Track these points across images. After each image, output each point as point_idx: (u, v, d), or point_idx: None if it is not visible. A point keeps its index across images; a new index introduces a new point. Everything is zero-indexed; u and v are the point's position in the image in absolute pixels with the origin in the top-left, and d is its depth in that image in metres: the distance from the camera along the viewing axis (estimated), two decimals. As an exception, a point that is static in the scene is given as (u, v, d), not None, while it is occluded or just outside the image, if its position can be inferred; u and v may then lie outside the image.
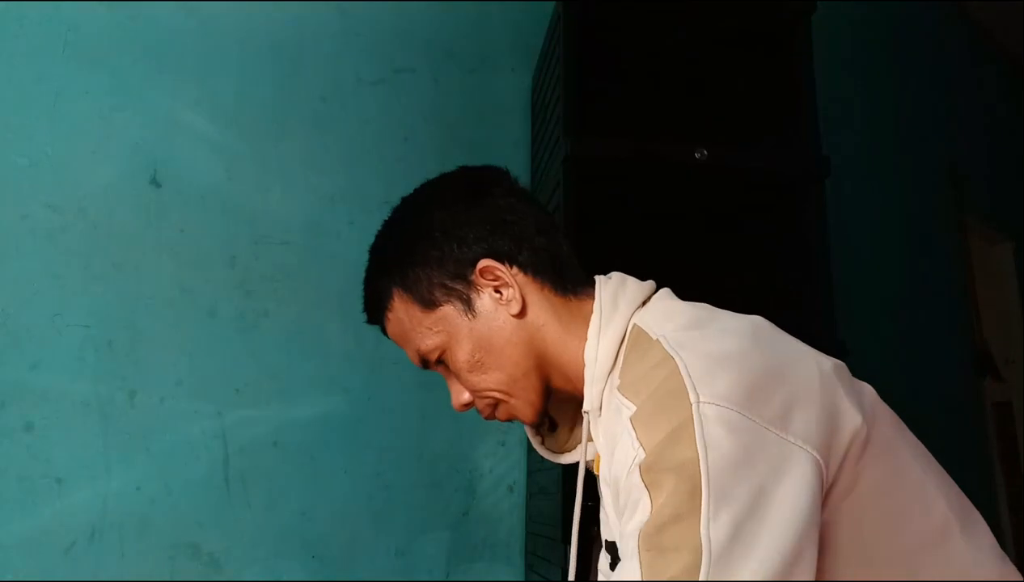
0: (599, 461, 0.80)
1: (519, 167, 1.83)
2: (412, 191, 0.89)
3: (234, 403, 1.49)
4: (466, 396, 0.84)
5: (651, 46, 1.61)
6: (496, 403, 0.84)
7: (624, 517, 0.63)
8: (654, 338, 0.70)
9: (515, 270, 0.81)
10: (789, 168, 1.50)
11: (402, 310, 0.83)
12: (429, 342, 0.82)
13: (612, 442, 0.71)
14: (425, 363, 0.84)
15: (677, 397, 0.61)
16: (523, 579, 1.62)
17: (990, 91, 3.63)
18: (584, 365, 0.78)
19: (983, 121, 3.48)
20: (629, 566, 0.60)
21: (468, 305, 0.81)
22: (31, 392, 1.36)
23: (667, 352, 0.65)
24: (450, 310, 0.81)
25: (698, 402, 0.60)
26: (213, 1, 1.63)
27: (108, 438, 1.39)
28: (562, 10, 1.48)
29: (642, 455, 0.61)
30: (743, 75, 1.61)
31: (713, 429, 0.59)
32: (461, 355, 0.81)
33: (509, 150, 1.84)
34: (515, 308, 0.80)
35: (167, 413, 1.44)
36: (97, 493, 1.37)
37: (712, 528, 0.56)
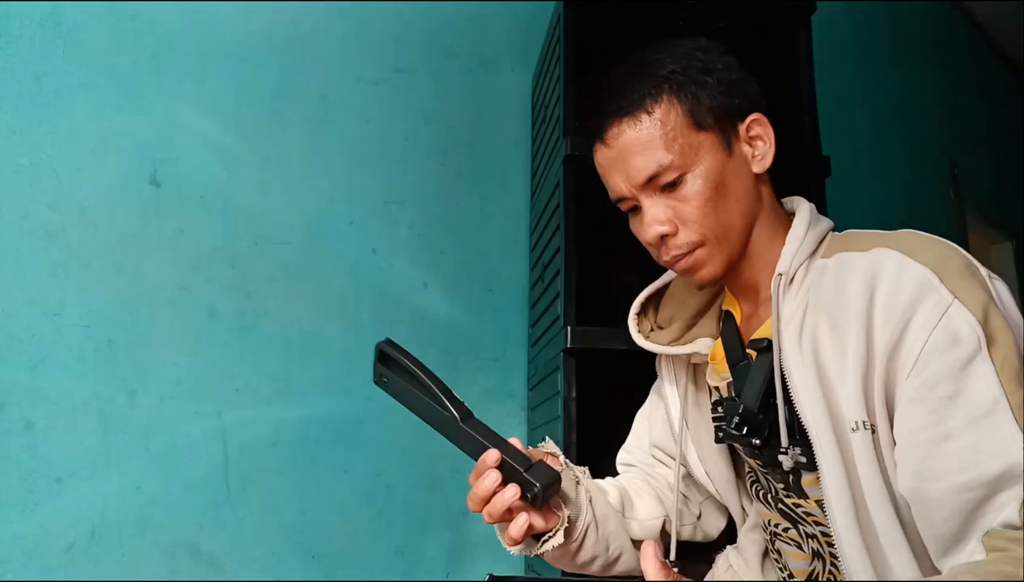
0: (766, 327, 0.83)
1: (519, 167, 1.83)
2: None
3: (234, 403, 1.49)
4: (667, 228, 0.84)
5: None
6: (698, 246, 0.85)
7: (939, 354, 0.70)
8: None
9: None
10: (789, 168, 1.49)
11: (664, 117, 0.83)
12: (678, 159, 0.82)
13: (838, 291, 0.77)
14: (649, 180, 0.83)
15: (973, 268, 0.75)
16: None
17: (990, 91, 3.63)
18: (768, 260, 0.87)
19: (983, 121, 3.49)
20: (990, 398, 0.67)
21: (727, 143, 0.85)
22: (31, 392, 1.36)
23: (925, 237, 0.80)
24: (712, 139, 0.84)
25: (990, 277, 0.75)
26: (213, 1, 1.63)
27: (108, 438, 1.39)
28: (562, 10, 1.48)
29: (966, 312, 0.70)
30: (743, 75, 1.60)
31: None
32: (703, 184, 0.83)
33: (509, 150, 1.84)
34: (761, 166, 0.86)
35: (167, 413, 1.44)
36: (97, 493, 1.37)
37: None
